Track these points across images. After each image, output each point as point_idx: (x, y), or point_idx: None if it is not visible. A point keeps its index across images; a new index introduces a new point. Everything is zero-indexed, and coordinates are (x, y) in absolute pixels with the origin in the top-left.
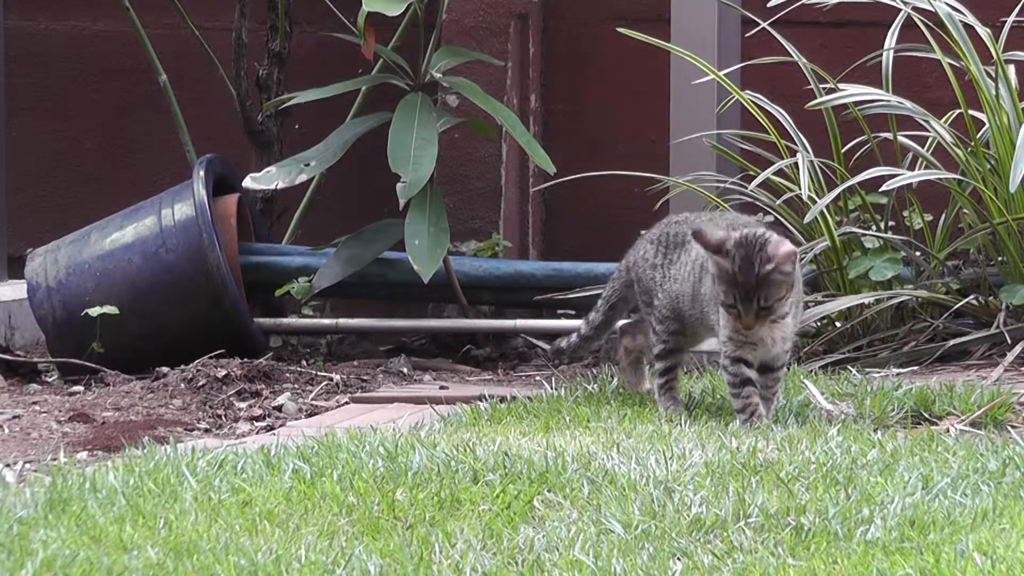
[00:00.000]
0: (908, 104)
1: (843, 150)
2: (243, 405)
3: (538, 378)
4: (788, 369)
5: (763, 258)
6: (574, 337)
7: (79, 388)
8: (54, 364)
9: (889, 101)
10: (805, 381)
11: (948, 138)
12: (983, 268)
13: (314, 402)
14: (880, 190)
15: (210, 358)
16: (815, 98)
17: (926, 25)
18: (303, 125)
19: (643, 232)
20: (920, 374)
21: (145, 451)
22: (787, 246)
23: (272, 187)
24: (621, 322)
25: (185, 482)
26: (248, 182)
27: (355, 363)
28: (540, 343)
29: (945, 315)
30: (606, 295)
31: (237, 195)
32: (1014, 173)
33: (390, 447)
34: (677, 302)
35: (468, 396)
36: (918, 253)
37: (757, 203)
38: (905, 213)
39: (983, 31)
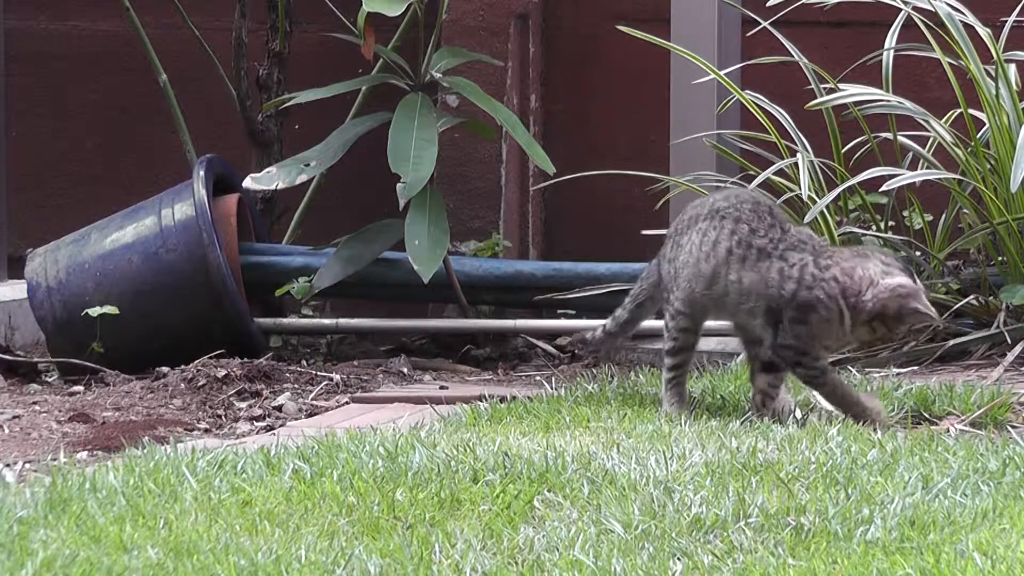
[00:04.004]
0: (908, 104)
1: (843, 150)
2: (243, 405)
3: (538, 378)
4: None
5: None
6: (599, 331)
7: (79, 388)
8: (54, 364)
9: (889, 101)
10: None
11: (948, 138)
12: (983, 268)
13: (314, 402)
14: (880, 190)
15: (210, 358)
16: (815, 98)
17: (926, 25)
18: (303, 125)
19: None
20: (920, 374)
21: (145, 451)
22: None
23: (272, 187)
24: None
25: (185, 482)
26: (248, 182)
27: (355, 363)
28: (540, 343)
29: (945, 315)
30: (634, 293)
31: (237, 195)
32: (1014, 173)
33: (390, 447)
34: (691, 284)
35: (468, 396)
36: (918, 253)
37: None
38: (905, 213)
39: (983, 31)
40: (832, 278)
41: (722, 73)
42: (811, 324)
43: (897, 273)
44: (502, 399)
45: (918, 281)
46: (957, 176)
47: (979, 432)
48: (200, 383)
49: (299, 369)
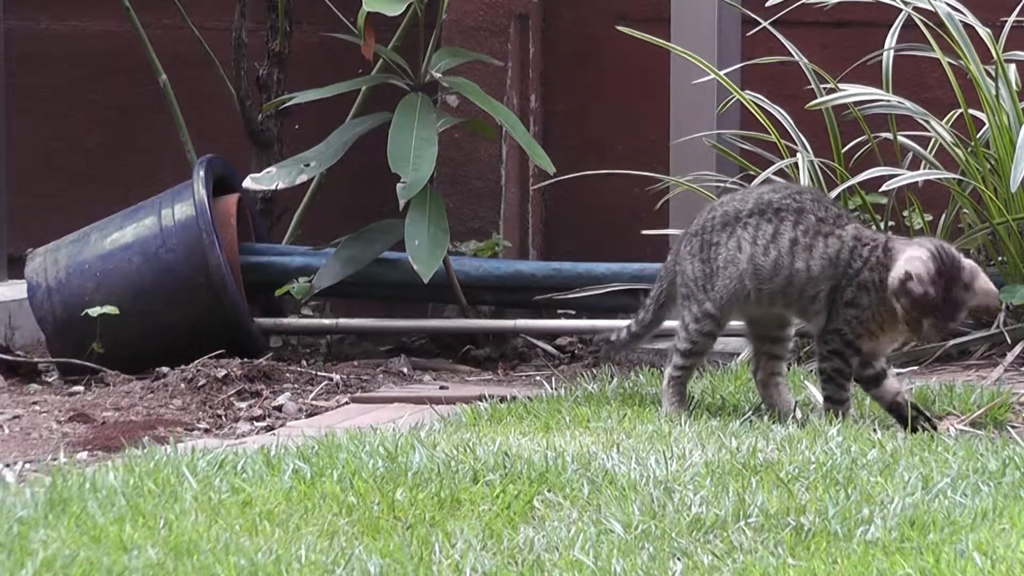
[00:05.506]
0: (908, 104)
1: (843, 150)
2: (243, 405)
3: (538, 378)
4: (789, 368)
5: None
6: (624, 333)
7: (79, 388)
8: (54, 364)
9: (889, 101)
10: (805, 381)
11: (948, 138)
12: (983, 268)
13: (314, 402)
14: (880, 190)
15: (210, 358)
16: (815, 98)
17: (926, 25)
18: (303, 125)
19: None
20: (920, 374)
21: (145, 451)
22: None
23: (272, 187)
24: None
25: (185, 482)
26: (248, 182)
27: (355, 363)
28: (540, 343)
29: None
30: (654, 295)
31: (237, 195)
32: (1014, 173)
33: (390, 447)
34: (740, 282)
35: (468, 396)
36: None
37: None
38: (905, 213)
39: (983, 31)
40: (886, 263)
41: (722, 73)
42: (862, 307)
43: (921, 251)
44: (502, 399)
45: (965, 266)
46: (957, 176)
47: (979, 432)
48: (200, 383)
49: (299, 369)
